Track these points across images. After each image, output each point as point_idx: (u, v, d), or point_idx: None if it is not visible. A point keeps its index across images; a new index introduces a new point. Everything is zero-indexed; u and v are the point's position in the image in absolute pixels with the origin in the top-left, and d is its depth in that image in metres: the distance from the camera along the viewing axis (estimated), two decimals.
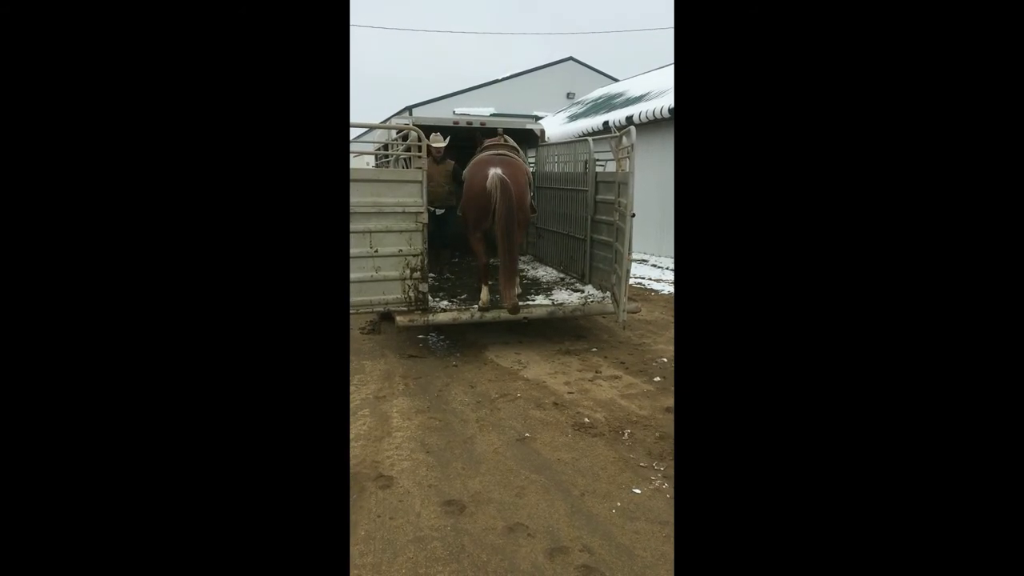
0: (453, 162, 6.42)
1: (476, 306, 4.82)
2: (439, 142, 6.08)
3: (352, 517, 2.54)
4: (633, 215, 4.53)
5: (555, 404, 3.89)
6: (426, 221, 4.67)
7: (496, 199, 4.44)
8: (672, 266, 9.85)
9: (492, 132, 7.68)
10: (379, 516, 2.57)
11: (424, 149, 4.61)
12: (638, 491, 2.80)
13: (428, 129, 5.26)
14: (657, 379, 4.40)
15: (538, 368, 4.64)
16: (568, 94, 23.02)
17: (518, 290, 5.02)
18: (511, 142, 5.57)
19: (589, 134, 9.19)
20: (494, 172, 4.48)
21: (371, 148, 9.09)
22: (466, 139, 6.87)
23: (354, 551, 2.31)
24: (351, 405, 3.87)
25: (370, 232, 4.48)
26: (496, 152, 5.14)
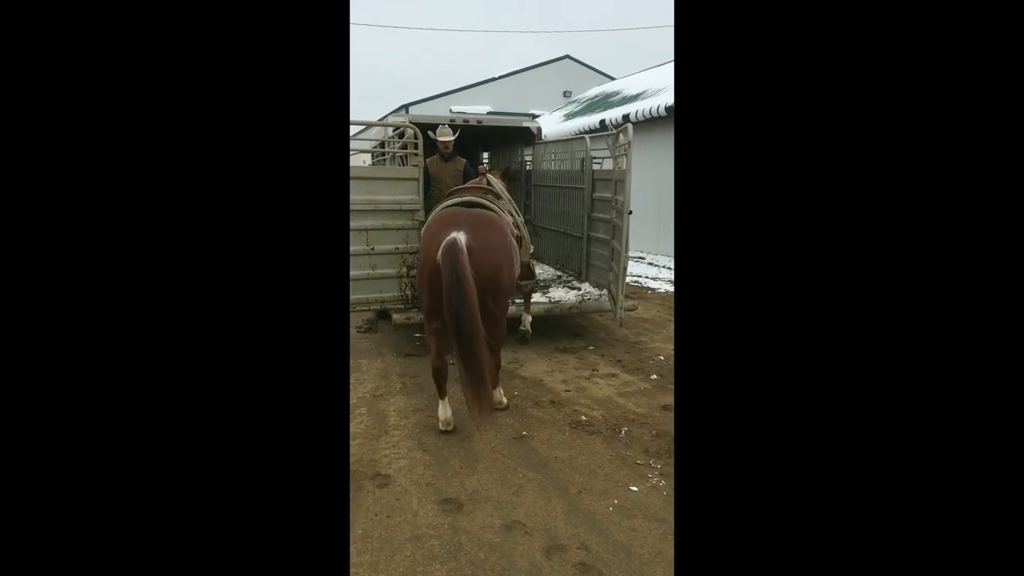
0: (464, 160, 5.36)
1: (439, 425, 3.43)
2: (447, 135, 5.08)
3: (349, 515, 2.54)
4: (630, 213, 4.53)
5: (552, 402, 3.89)
6: (423, 219, 4.65)
7: (446, 276, 2.87)
8: (669, 264, 9.87)
9: (493, 132, 7.61)
10: (376, 514, 2.57)
11: (420, 147, 4.60)
12: (635, 489, 2.81)
13: (425, 127, 5.08)
14: (654, 377, 4.41)
15: (535, 366, 4.64)
16: (565, 92, 23.01)
17: (501, 398, 3.69)
18: (492, 184, 4.21)
19: (586, 132, 9.20)
20: (451, 237, 2.94)
21: (367, 146, 9.07)
22: (461, 138, 6.83)
23: (352, 549, 2.30)
24: (360, 395, 3.87)
25: (367, 230, 4.47)
26: (468, 199, 3.63)
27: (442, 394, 3.42)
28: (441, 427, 3.38)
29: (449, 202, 3.69)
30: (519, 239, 3.78)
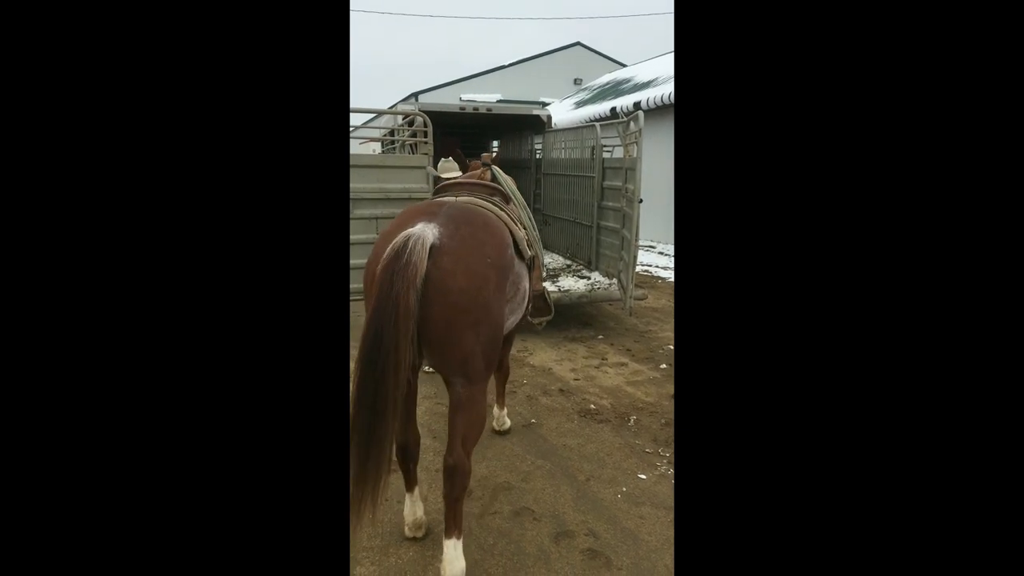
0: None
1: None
2: (451, 171, 3.45)
3: None
4: (640, 201, 4.50)
5: (561, 391, 3.90)
6: None
7: (383, 291, 1.74)
8: None
9: (503, 121, 7.47)
10: (386, 500, 2.60)
11: (430, 135, 4.58)
12: (643, 477, 2.82)
13: (435, 115, 5.07)
14: (663, 366, 4.40)
15: (544, 355, 4.65)
16: (575, 80, 22.82)
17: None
18: (500, 180, 2.83)
19: (596, 120, 9.13)
20: (408, 231, 1.84)
21: (377, 134, 9.07)
22: (470, 126, 6.78)
23: (362, 534, 2.33)
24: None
25: (376, 218, 4.48)
26: (450, 197, 2.45)
27: (409, 484, 2.30)
28: (408, 532, 2.32)
29: (430, 199, 2.48)
30: (530, 262, 2.52)
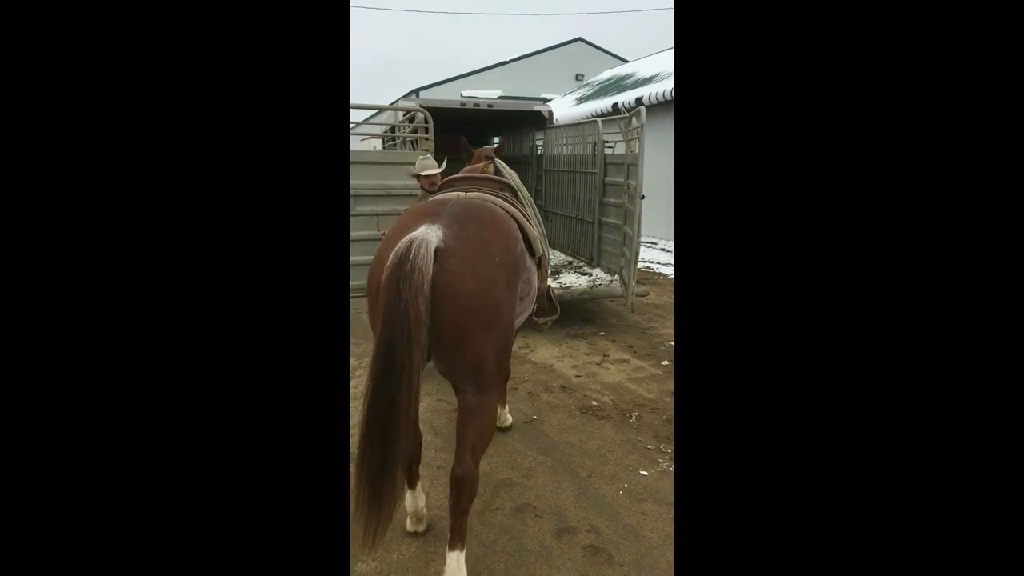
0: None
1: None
2: (430, 168, 3.08)
3: None
4: (642, 197, 4.49)
5: (563, 387, 3.90)
6: None
7: (391, 301, 1.66)
8: None
9: (504, 117, 7.44)
10: None
11: (431, 131, 4.57)
12: (645, 473, 2.82)
13: (436, 111, 5.05)
14: (665, 363, 4.40)
15: (546, 351, 4.64)
16: (577, 76, 22.76)
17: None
18: (504, 172, 2.81)
19: (598, 116, 9.10)
20: (411, 235, 1.76)
21: (378, 131, 9.06)
22: (472, 123, 6.75)
23: (361, 531, 2.34)
24: (361, 388, 3.90)
25: (377, 215, 4.48)
26: (457, 193, 2.37)
27: (411, 481, 2.29)
28: (409, 525, 2.35)
29: (434, 198, 2.37)
30: (539, 260, 2.46)
